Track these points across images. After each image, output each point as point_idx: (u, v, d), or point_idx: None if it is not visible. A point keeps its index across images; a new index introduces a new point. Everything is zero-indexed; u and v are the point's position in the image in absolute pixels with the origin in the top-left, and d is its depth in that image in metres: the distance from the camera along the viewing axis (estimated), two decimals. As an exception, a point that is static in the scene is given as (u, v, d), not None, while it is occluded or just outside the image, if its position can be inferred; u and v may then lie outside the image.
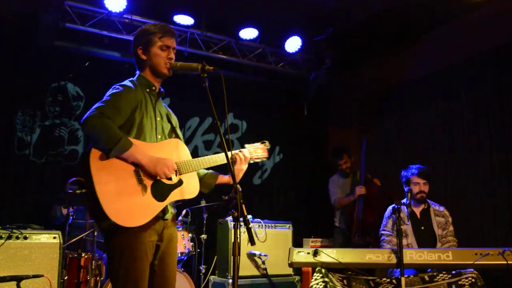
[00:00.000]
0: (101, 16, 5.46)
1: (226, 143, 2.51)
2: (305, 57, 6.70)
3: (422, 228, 4.38)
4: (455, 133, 5.61)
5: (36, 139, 5.63)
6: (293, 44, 6.34)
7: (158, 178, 2.56)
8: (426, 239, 4.32)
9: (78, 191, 2.37)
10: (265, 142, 3.13)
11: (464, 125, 5.53)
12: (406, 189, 4.43)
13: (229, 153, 2.63)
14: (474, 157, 5.33)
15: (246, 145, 3.09)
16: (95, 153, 2.43)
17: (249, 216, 5.06)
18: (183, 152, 2.78)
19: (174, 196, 2.63)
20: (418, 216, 4.45)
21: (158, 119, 2.76)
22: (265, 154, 3.10)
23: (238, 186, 2.31)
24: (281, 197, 7.25)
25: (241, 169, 2.90)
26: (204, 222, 5.19)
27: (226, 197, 2.32)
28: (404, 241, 4.03)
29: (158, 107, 2.80)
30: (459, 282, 3.56)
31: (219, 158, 2.82)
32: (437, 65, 5.90)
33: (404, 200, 4.32)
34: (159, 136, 2.73)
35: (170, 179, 2.62)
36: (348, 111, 7.45)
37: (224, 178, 2.96)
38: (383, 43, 6.32)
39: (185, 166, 2.70)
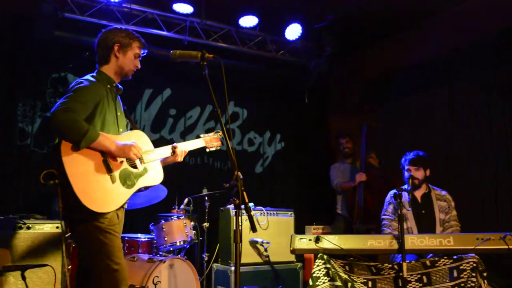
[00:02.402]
0: (100, 6, 5.42)
1: (226, 131, 2.55)
2: (306, 44, 6.67)
3: (423, 211, 4.40)
4: (457, 118, 5.60)
5: (37, 130, 5.63)
6: (293, 31, 6.30)
7: (124, 164, 2.77)
8: (426, 223, 4.33)
9: (51, 182, 2.50)
10: (218, 132, 3.42)
11: (466, 110, 5.51)
12: (406, 175, 4.45)
13: (170, 146, 3.10)
14: (476, 142, 5.33)
15: (202, 135, 3.40)
16: (65, 146, 2.57)
17: (251, 204, 5.08)
18: (145, 142, 2.99)
19: (141, 183, 2.85)
20: (419, 200, 4.46)
21: (119, 114, 2.96)
22: (219, 143, 3.41)
23: (239, 173, 2.33)
24: (283, 184, 7.27)
25: (175, 160, 3.15)
26: (206, 210, 5.21)
27: (228, 185, 2.34)
28: (404, 225, 4.04)
29: (117, 103, 2.99)
30: (461, 267, 3.58)
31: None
32: (438, 50, 5.87)
33: (405, 186, 4.34)
34: (121, 130, 2.95)
35: (135, 167, 2.83)
36: (348, 99, 7.43)
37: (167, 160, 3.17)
38: (383, 29, 6.28)
39: (148, 155, 2.93)
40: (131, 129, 3.12)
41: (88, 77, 2.85)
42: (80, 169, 2.57)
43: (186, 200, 5.08)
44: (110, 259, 2.62)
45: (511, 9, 5.01)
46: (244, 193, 2.31)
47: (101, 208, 2.58)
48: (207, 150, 3.36)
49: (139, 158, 2.86)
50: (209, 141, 3.37)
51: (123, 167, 2.76)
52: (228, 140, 2.57)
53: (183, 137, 6.57)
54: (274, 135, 7.37)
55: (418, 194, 4.49)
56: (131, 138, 2.89)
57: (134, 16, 5.61)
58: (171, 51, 2.73)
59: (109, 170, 2.67)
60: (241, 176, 2.34)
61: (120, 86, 3.00)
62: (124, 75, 2.99)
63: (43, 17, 5.22)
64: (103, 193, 2.63)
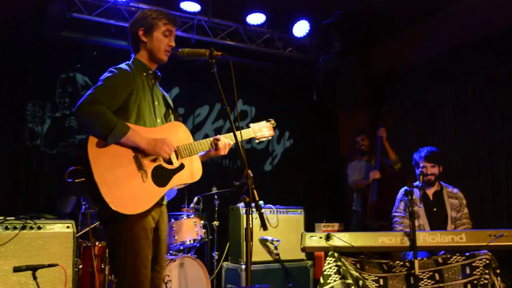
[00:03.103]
0: (107, 5, 5.43)
1: (235, 129, 2.52)
2: (313, 41, 6.63)
3: (435, 209, 4.36)
4: (466, 113, 5.55)
5: (47, 130, 5.65)
6: (301, 28, 6.27)
7: (158, 160, 2.52)
8: (438, 221, 4.30)
9: (77, 180, 2.34)
10: (270, 121, 3.11)
11: (475, 105, 5.47)
12: (417, 171, 4.42)
13: (211, 139, 2.77)
14: (487, 138, 5.28)
15: (251, 124, 3.05)
16: (92, 141, 2.37)
17: (261, 202, 5.05)
18: (184, 135, 2.75)
19: (176, 180, 2.59)
20: (431, 198, 4.43)
21: (156, 103, 2.73)
22: (271, 133, 3.08)
23: (249, 171, 2.30)
24: (292, 182, 7.25)
25: (218, 154, 2.84)
26: (216, 208, 5.20)
27: (237, 183, 2.31)
28: (416, 223, 4.01)
29: (155, 91, 2.75)
30: (473, 264, 3.54)
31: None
32: (447, 46, 5.83)
33: (417, 183, 4.31)
34: (158, 120, 2.71)
35: (171, 163, 2.58)
36: (357, 95, 7.40)
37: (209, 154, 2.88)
38: (391, 25, 6.24)
39: (186, 150, 2.67)
40: (175, 119, 2.85)
41: (121, 65, 2.64)
42: (107, 166, 2.35)
43: (195, 199, 5.08)
44: (136, 267, 2.41)
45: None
46: (255, 191, 2.29)
47: (128, 209, 2.35)
48: (256, 141, 3.04)
49: (176, 153, 2.61)
50: (259, 130, 3.02)
51: (156, 163, 2.51)
52: (237, 138, 2.52)
53: (192, 136, 6.55)
54: (283, 132, 7.35)
55: (430, 192, 4.45)
56: (167, 131, 2.64)
57: (142, 15, 5.61)
58: (179, 49, 2.66)
59: (140, 167, 2.44)
60: (251, 174, 2.31)
61: (158, 73, 2.77)
62: (158, 59, 2.73)
63: (51, 17, 5.23)
64: (132, 193, 2.39)
